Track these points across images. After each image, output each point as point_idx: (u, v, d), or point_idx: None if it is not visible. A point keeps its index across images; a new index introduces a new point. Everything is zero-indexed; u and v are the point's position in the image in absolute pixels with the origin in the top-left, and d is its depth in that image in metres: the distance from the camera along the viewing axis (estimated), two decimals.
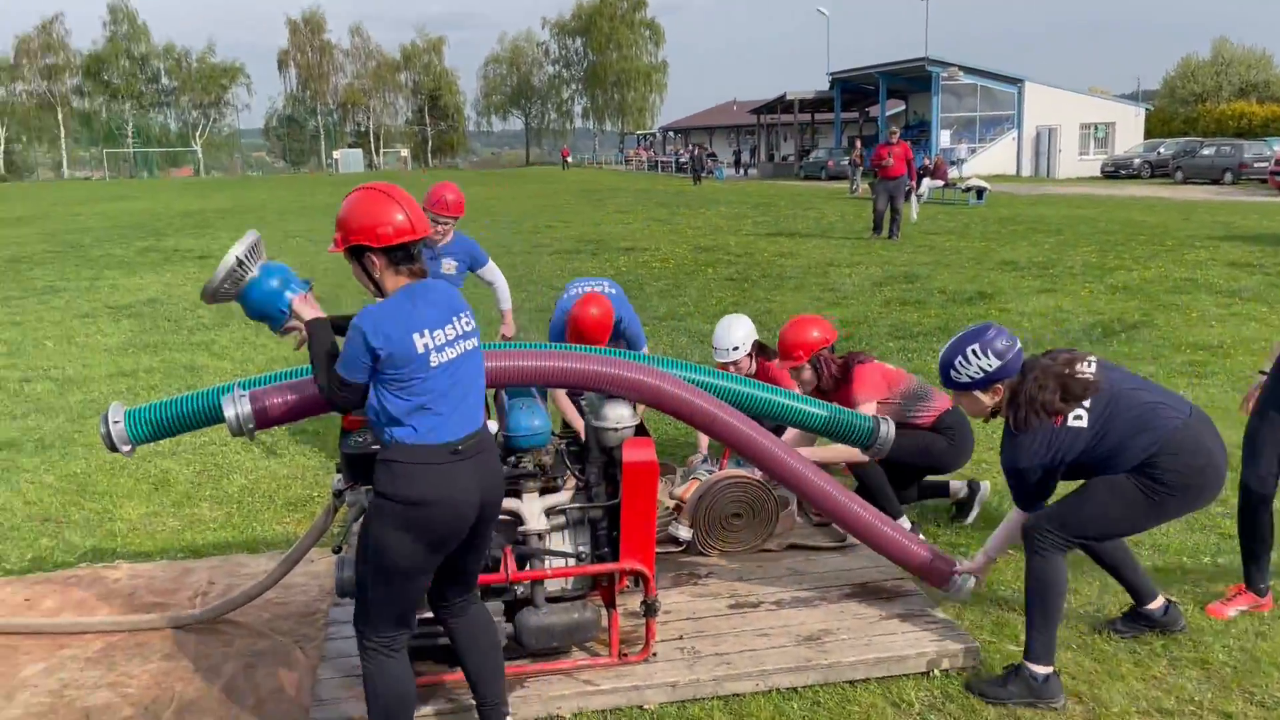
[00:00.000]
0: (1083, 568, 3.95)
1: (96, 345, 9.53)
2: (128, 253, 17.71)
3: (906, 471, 4.66)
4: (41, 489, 5.59)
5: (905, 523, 4.57)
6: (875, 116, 49.64)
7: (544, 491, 3.51)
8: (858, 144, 34.36)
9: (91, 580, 4.42)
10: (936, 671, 3.47)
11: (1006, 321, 9.27)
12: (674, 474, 5.00)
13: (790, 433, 4.74)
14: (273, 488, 5.58)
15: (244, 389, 3.28)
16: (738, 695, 3.36)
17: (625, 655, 3.46)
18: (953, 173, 30.67)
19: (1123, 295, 10.82)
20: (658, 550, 3.86)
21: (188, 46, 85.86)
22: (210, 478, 5.74)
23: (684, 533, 4.37)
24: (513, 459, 3.50)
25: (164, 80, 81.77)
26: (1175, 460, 3.17)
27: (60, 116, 76.47)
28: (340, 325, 2.92)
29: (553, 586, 3.46)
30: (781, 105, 52.46)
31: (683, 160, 51.94)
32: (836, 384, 4.61)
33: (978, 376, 3.27)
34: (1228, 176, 32.10)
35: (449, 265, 5.80)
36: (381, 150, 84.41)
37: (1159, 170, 36.64)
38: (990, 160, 41.27)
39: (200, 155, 77.69)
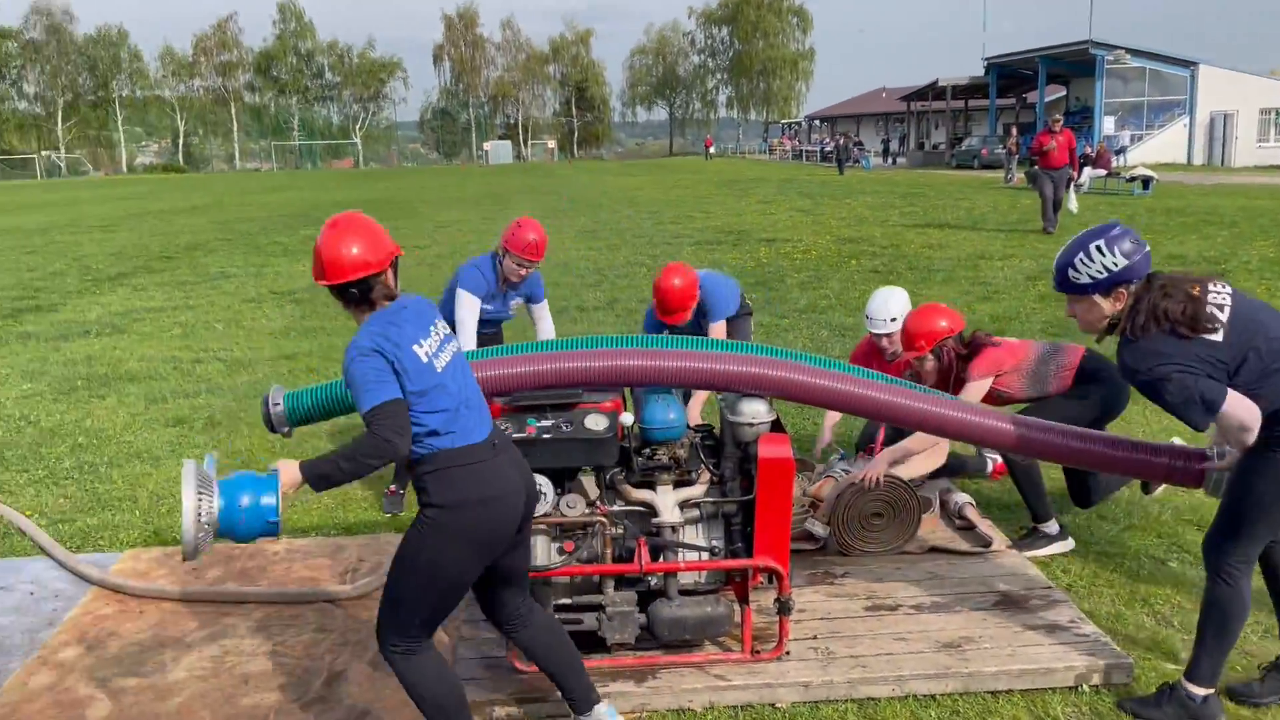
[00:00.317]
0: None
1: (262, 329, 10.07)
2: (292, 241, 18.64)
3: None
4: None
5: (1053, 525, 4.38)
6: (1033, 103, 47.62)
7: (678, 484, 3.51)
8: (1013, 131, 33.05)
9: (253, 553, 4.67)
10: (1085, 687, 3.32)
11: None
12: (810, 471, 4.94)
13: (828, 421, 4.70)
14: None
15: None
16: (873, 699, 3.29)
17: (758, 652, 3.43)
18: (1116, 162, 29.14)
19: None
20: (793, 548, 3.82)
21: (350, 43, 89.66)
22: None
23: (819, 529, 4.31)
24: (647, 451, 3.52)
25: (327, 75, 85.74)
26: None
27: (233, 111, 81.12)
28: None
29: (686, 580, 3.47)
30: (933, 92, 50.94)
31: (828, 149, 51.08)
32: (960, 375, 4.38)
33: (1100, 276, 2.91)
34: None
35: (516, 304, 5.52)
36: (529, 142, 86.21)
37: None
38: (1158, 148, 39.01)
39: (360, 147, 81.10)
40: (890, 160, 54.31)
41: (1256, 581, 3.24)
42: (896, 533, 4.24)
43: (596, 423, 3.33)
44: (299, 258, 15.86)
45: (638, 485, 3.50)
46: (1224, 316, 2.84)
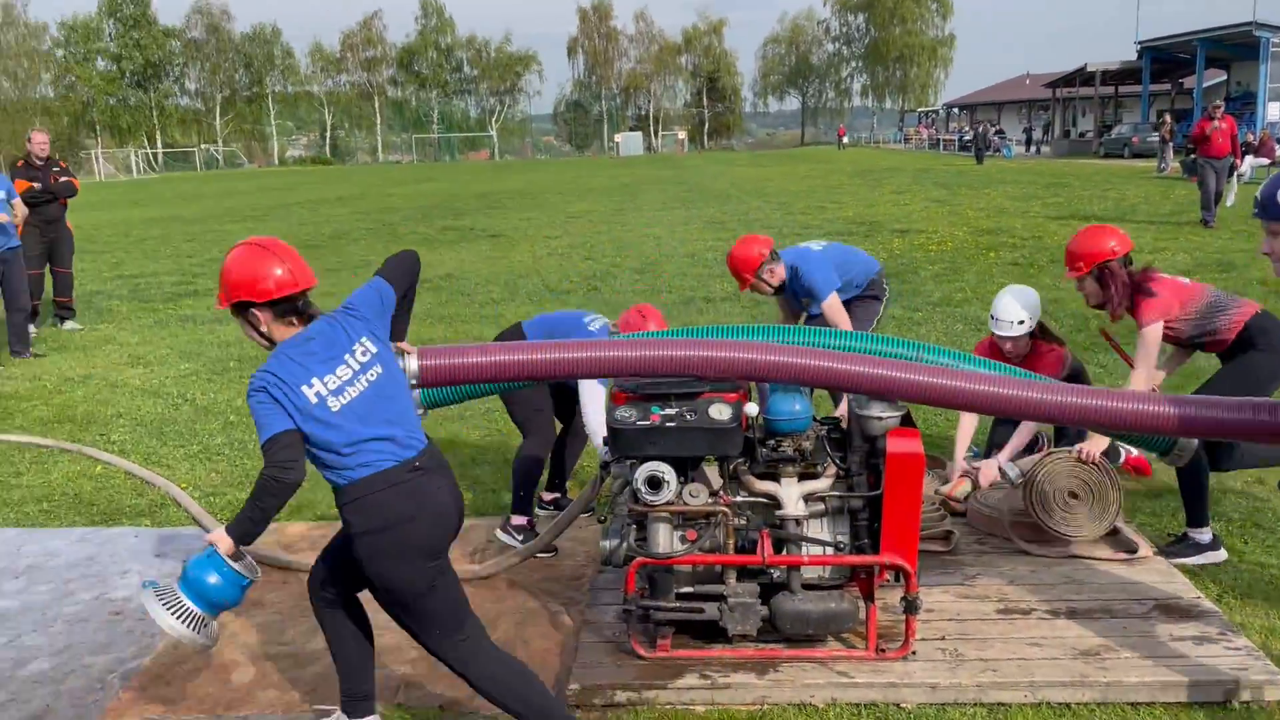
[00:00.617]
0: None
1: None
2: (430, 230, 19.21)
3: None
4: None
5: (1206, 534, 4.15)
6: (1190, 88, 45.03)
7: (803, 477, 3.47)
8: (1167, 119, 31.32)
9: None
10: (1236, 703, 3.13)
11: None
12: (942, 469, 4.80)
13: (1025, 427, 4.48)
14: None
15: None
16: (1003, 705, 3.18)
17: (883, 651, 3.36)
18: None
19: None
20: (922, 547, 3.72)
21: (488, 37, 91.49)
22: (493, 443, 6.13)
23: (1012, 471, 4.21)
24: (771, 442, 3.48)
25: (466, 69, 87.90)
26: None
27: (376, 105, 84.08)
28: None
29: (809, 574, 3.42)
30: (1080, 78, 48.74)
31: (966, 138, 49.49)
32: (1123, 302, 4.13)
33: None
34: None
35: None
36: (660, 133, 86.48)
37: None
38: None
39: (495, 140, 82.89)
40: (1034, 149, 52.27)
41: None
42: (1092, 519, 4.06)
43: (720, 412, 3.31)
44: (436, 247, 16.33)
45: (761, 477, 3.47)
46: None
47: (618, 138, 79.25)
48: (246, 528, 2.65)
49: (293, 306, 2.76)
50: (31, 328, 9.28)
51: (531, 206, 24.22)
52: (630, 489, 3.39)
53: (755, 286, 5.21)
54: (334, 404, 2.65)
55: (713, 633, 3.46)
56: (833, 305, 5.11)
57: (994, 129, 49.70)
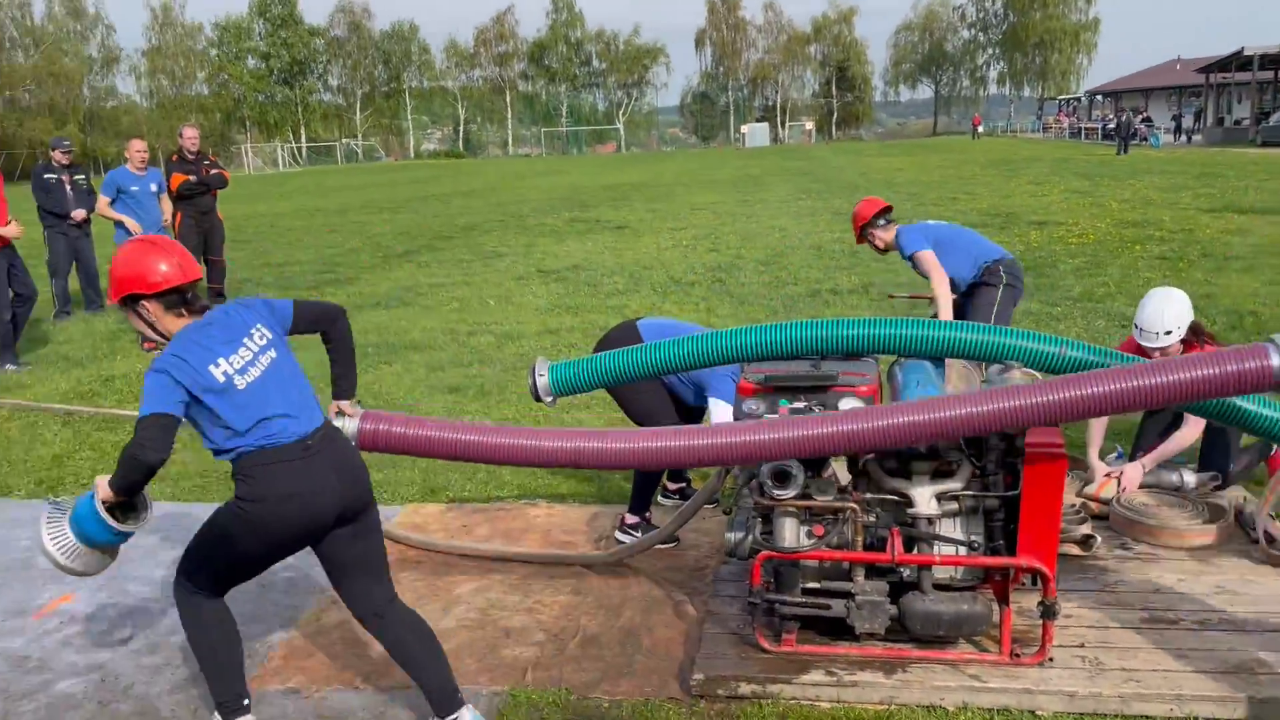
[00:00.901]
0: None
1: (528, 305, 10.62)
2: (557, 222, 19.50)
3: None
4: None
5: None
6: None
7: (936, 475, 3.38)
8: None
9: (516, 514, 4.96)
10: None
11: None
12: (1083, 470, 4.61)
13: (1096, 424, 4.29)
14: None
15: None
16: (1146, 717, 3.05)
17: (1017, 656, 3.26)
18: None
19: None
20: (1059, 550, 3.59)
21: (616, 30, 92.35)
22: None
23: (1190, 479, 4.27)
24: None
25: (594, 63, 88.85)
26: None
27: (508, 99, 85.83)
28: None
29: (940, 574, 3.34)
30: (1237, 62, 45.89)
31: (1109, 126, 47.28)
32: None
33: None
34: None
35: None
36: (787, 123, 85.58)
37: None
38: None
39: (622, 132, 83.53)
40: (1184, 138, 49.57)
41: None
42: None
43: (851, 406, 3.26)
44: (564, 238, 16.57)
45: (893, 474, 3.40)
46: None
47: (744, 129, 78.66)
48: (117, 486, 2.81)
49: (181, 298, 2.94)
50: None
51: (657, 198, 24.31)
52: (756, 482, 3.38)
53: (865, 239, 5.99)
54: (240, 381, 2.83)
55: (838, 629, 3.42)
56: (923, 259, 5.55)
57: (1140, 116, 47.37)
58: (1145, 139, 42.15)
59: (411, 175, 44.50)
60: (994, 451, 3.36)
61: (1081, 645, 3.36)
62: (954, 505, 3.36)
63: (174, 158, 10.34)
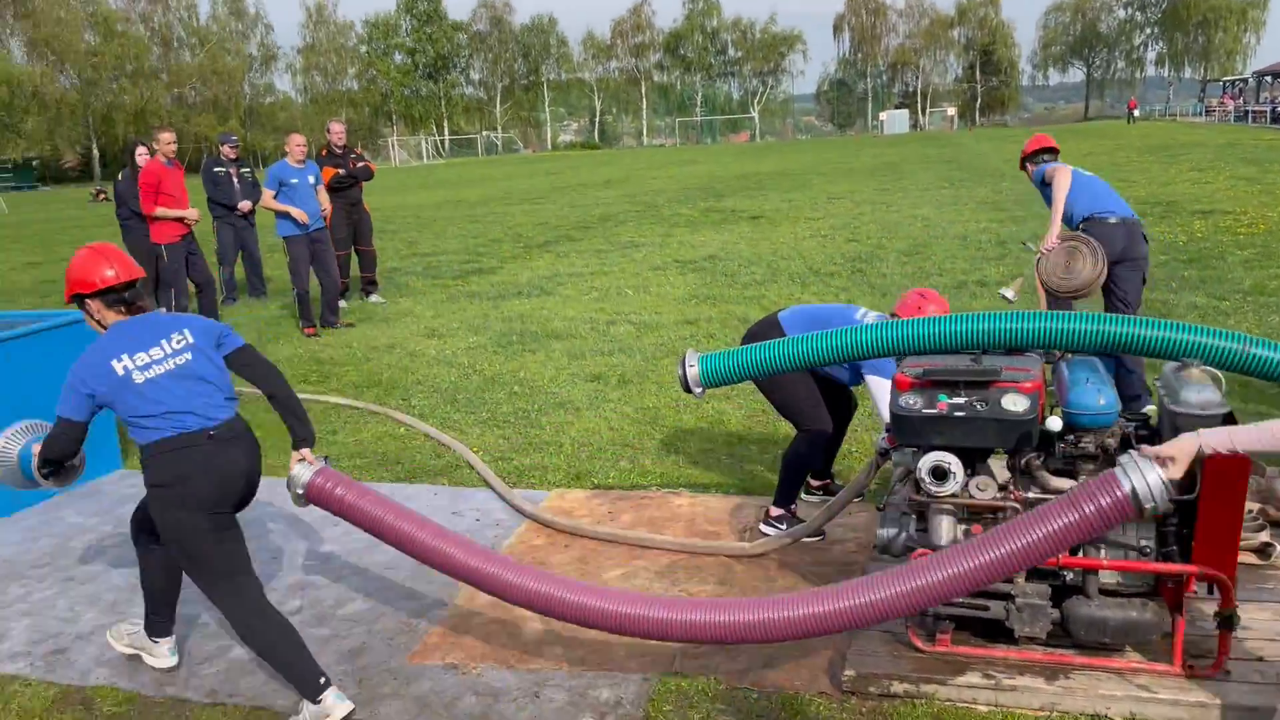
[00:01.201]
0: None
1: (666, 295, 10.67)
2: (692, 212, 19.51)
3: None
4: (622, 418, 6.42)
5: None
6: None
7: None
8: None
9: (660, 503, 5.01)
10: None
11: None
12: (1262, 475, 4.35)
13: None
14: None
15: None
16: None
17: (1191, 667, 3.10)
18: None
19: None
20: (1240, 559, 3.39)
21: (753, 18, 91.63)
22: (759, 423, 6.16)
23: None
24: (1071, 438, 3.28)
25: (730, 51, 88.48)
26: None
27: (643, 90, 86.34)
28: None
29: (1107, 579, 3.20)
30: None
31: None
32: None
33: None
34: None
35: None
36: (927, 110, 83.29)
37: None
38: None
39: (757, 121, 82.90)
40: None
41: None
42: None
43: (1015, 403, 3.16)
44: (699, 228, 16.57)
45: (1057, 473, 3.28)
46: None
47: (882, 116, 76.92)
48: (42, 455, 3.36)
49: (119, 297, 3.32)
50: (342, 302, 10.28)
51: (792, 187, 24.04)
52: (912, 478, 3.31)
53: (1024, 169, 6.36)
54: (138, 377, 3.20)
55: (995, 632, 3.32)
56: (1052, 172, 5.83)
57: None
58: None
59: (548, 166, 45.27)
60: None
61: (1260, 659, 3.17)
62: None
63: (323, 152, 10.81)
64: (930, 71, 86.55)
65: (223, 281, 11.34)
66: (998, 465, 3.52)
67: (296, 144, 9.48)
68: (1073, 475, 3.25)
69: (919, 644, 3.32)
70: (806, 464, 4.48)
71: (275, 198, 9.23)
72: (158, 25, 73.47)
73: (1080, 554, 3.18)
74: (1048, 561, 3.00)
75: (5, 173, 59.38)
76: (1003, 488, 3.30)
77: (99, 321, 3.35)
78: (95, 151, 68.95)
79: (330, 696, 3.20)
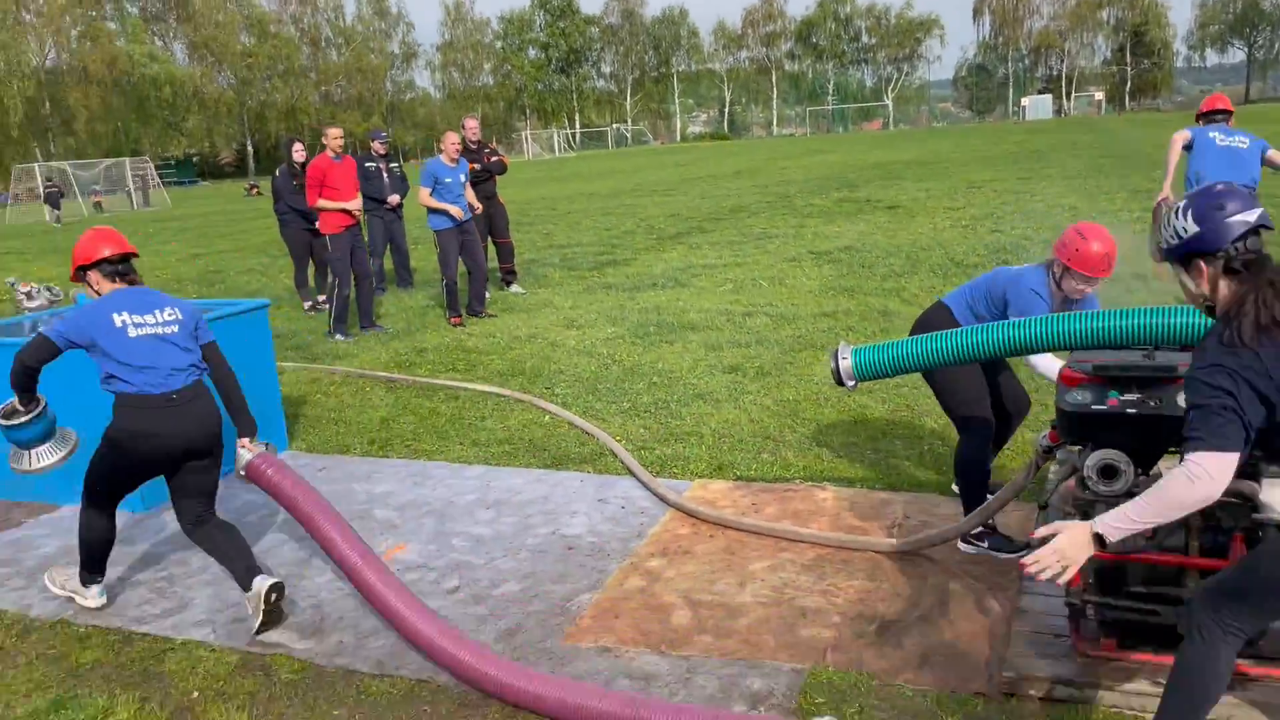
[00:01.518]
0: None
1: (801, 287, 10.58)
2: (826, 203, 19.27)
3: None
4: (762, 410, 6.42)
5: None
6: None
7: None
8: None
9: (804, 496, 4.99)
10: None
11: None
12: None
13: None
14: None
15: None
16: None
17: None
18: None
19: None
20: None
21: (888, 4, 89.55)
22: (903, 418, 6.07)
23: None
24: None
25: (864, 39, 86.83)
26: None
27: (773, 79, 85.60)
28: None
29: None
30: None
31: None
32: None
33: (1171, 243, 2.56)
34: None
35: None
36: (1072, 94, 79.87)
37: None
38: None
39: (890, 109, 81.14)
40: None
41: None
42: None
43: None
44: (834, 219, 16.36)
45: (1237, 475, 3.12)
46: None
47: (1024, 101, 74.18)
48: (10, 382, 3.87)
49: (115, 270, 3.93)
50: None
51: (929, 176, 23.46)
52: (1078, 476, 3.21)
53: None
54: (133, 332, 3.79)
55: (1164, 638, 3.19)
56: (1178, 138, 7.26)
57: None
58: None
59: (678, 158, 45.38)
60: None
61: None
62: None
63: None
64: (1076, 54, 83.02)
65: (373, 273, 11.80)
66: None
67: (451, 142, 9.76)
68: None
69: (1082, 648, 3.22)
70: (978, 464, 4.29)
71: (431, 194, 9.54)
72: (307, 26, 76.96)
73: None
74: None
75: (169, 169, 63.21)
76: None
77: (97, 291, 3.95)
78: (249, 147, 72.73)
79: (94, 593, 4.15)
